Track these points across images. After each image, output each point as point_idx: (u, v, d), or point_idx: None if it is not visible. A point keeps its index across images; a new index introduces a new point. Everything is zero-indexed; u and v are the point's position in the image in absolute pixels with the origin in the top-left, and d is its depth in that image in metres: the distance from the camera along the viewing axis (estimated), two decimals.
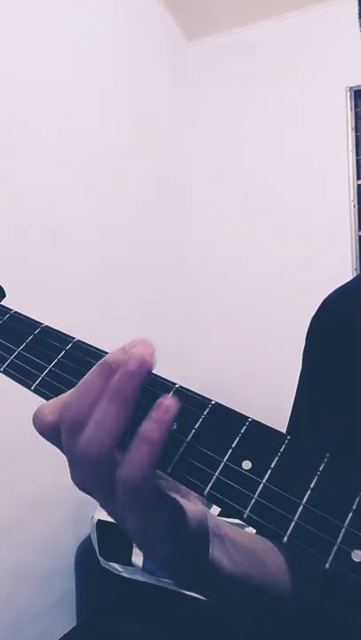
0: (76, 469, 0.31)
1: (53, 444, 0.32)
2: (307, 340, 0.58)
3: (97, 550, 1.84)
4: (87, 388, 0.30)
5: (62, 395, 0.32)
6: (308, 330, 0.58)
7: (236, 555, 0.38)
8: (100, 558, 1.84)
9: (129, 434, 0.29)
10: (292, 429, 0.56)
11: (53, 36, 1.93)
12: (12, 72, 1.74)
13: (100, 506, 0.32)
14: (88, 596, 1.98)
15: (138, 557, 1.76)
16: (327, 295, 0.58)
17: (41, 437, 0.32)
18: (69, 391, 0.32)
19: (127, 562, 1.77)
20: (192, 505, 0.34)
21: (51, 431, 0.31)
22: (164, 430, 0.28)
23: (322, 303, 0.58)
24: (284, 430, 0.31)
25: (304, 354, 0.58)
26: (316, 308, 0.58)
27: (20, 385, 0.36)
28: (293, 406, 0.57)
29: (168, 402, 0.29)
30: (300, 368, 0.58)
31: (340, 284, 0.58)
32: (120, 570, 1.80)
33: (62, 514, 1.89)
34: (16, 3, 1.77)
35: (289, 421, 0.57)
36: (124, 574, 1.79)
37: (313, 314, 0.58)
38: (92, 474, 0.30)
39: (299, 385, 0.58)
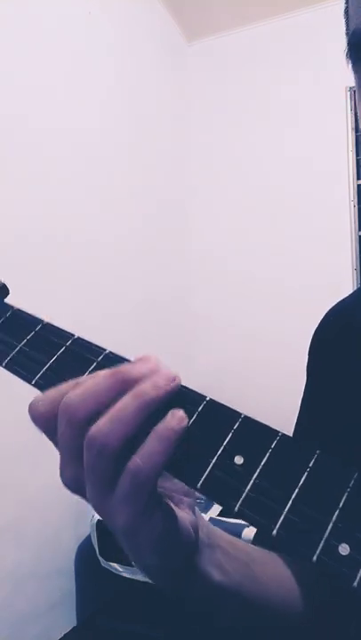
0: (71, 462, 0.31)
1: (44, 433, 0.32)
2: (309, 354, 0.57)
3: (97, 550, 1.84)
4: (95, 391, 0.31)
5: (59, 387, 0.32)
6: (311, 344, 0.58)
7: (229, 566, 0.38)
8: (100, 558, 1.83)
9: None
10: None
11: (53, 35, 1.93)
12: (11, 72, 1.74)
13: (92, 500, 0.31)
14: (88, 595, 1.98)
15: None
16: (328, 309, 0.58)
17: (41, 437, 0.33)
18: (69, 385, 0.32)
19: (127, 562, 1.77)
20: (184, 513, 0.34)
21: (44, 421, 0.32)
22: (180, 430, 0.30)
23: (323, 317, 0.58)
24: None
25: (307, 368, 0.58)
26: (316, 308, 0.58)
27: (21, 380, 0.36)
28: (297, 420, 0.57)
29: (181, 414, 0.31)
30: (300, 370, 0.57)
31: (339, 285, 0.58)
32: (120, 570, 1.80)
33: (62, 514, 1.89)
34: (16, 3, 1.77)
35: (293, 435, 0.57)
36: (124, 574, 1.79)
37: (311, 316, 0.57)
38: (94, 462, 0.30)
39: (302, 399, 0.58)
